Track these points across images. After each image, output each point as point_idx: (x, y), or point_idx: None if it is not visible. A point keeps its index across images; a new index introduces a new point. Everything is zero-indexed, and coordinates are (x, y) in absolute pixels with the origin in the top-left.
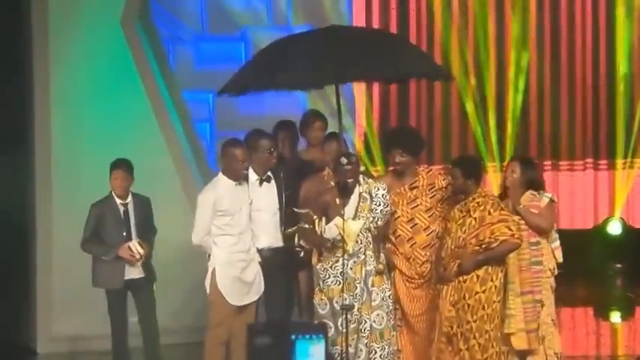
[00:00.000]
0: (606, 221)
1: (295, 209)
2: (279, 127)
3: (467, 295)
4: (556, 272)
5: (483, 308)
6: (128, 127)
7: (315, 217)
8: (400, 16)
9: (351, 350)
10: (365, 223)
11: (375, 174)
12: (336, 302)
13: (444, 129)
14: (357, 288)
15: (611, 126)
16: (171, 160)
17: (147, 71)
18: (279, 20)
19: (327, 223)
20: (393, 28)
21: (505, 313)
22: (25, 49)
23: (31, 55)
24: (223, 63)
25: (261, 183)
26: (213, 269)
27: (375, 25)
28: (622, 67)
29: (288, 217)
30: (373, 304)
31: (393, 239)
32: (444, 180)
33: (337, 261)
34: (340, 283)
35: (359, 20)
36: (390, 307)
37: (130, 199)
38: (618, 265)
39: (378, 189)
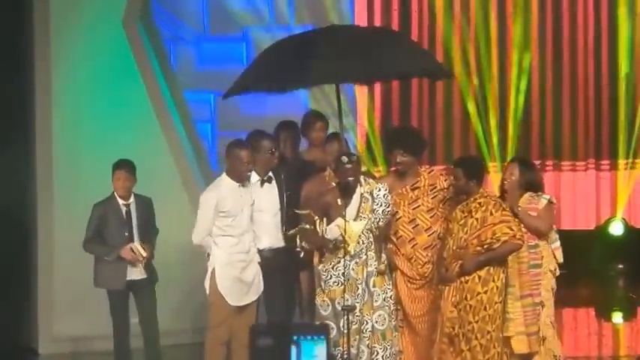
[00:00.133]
0: (608, 222)
1: (296, 210)
2: (281, 127)
3: (468, 296)
4: (557, 273)
5: (485, 309)
6: (129, 127)
7: (317, 217)
8: (402, 16)
9: (353, 351)
10: (366, 223)
11: (376, 174)
12: (338, 303)
13: (446, 129)
14: (358, 289)
15: (613, 126)
16: (173, 161)
17: (148, 71)
18: (281, 20)
19: (328, 223)
20: (395, 29)
21: (504, 316)
22: (26, 49)
23: (32, 55)
24: (225, 63)
25: (262, 184)
26: (213, 269)
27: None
28: (624, 68)
29: (290, 218)
30: (375, 304)
31: (395, 240)
32: (445, 180)
33: (339, 262)
34: (342, 283)
35: (361, 20)
36: (392, 308)
37: (132, 199)
38: (620, 266)
39: (380, 189)
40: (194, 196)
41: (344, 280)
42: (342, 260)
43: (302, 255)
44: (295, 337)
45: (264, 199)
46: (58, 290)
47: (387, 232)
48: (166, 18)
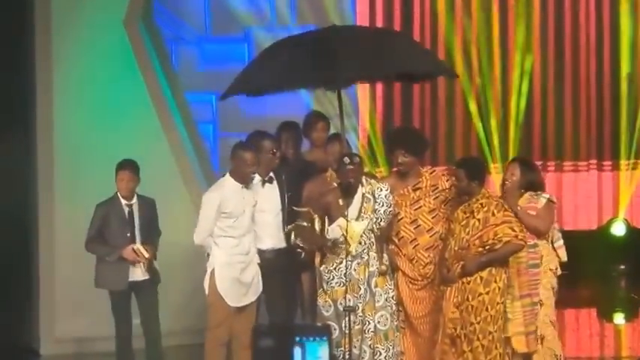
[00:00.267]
0: (610, 222)
1: (295, 207)
2: (283, 128)
3: (470, 297)
4: (559, 272)
5: (487, 309)
6: (130, 127)
7: (315, 216)
8: (404, 17)
9: (355, 352)
10: (368, 224)
11: (378, 175)
12: (340, 304)
13: (448, 130)
14: (360, 289)
15: (615, 127)
16: (174, 161)
17: (150, 72)
18: (283, 21)
19: (330, 224)
20: (397, 29)
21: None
22: (27, 48)
23: (33, 55)
24: (226, 64)
25: (263, 184)
26: (212, 270)
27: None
28: (625, 68)
29: (290, 218)
30: (377, 305)
31: (396, 240)
32: (447, 181)
33: (341, 262)
34: (344, 284)
35: (363, 21)
36: (394, 308)
37: (135, 200)
38: (622, 267)
39: (381, 190)
40: (195, 197)
41: (346, 281)
42: (344, 261)
43: (303, 255)
44: (298, 338)
45: (265, 199)
46: (60, 291)
47: (388, 232)
48: (168, 18)
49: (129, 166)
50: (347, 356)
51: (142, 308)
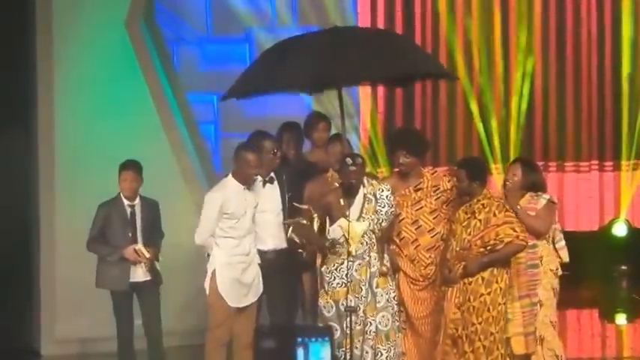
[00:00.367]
0: (611, 223)
1: (295, 204)
2: (284, 128)
3: (472, 298)
4: (559, 273)
5: (488, 310)
6: (132, 128)
7: (315, 215)
8: (405, 18)
9: (356, 352)
10: (369, 224)
11: (379, 176)
12: (342, 304)
13: (449, 130)
14: (362, 290)
15: (617, 127)
16: (175, 161)
17: (151, 72)
18: (284, 21)
19: (331, 224)
20: (399, 31)
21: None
22: (28, 48)
23: (34, 55)
24: (228, 64)
25: (264, 184)
26: (213, 271)
27: (380, 27)
28: (626, 68)
29: (291, 215)
30: (378, 305)
31: (398, 241)
32: (448, 182)
33: (342, 263)
34: (345, 285)
35: (364, 22)
36: (395, 309)
37: (137, 201)
38: (623, 267)
39: (383, 190)
40: (197, 198)
41: (347, 282)
42: (345, 261)
43: (304, 256)
44: (300, 339)
45: (266, 199)
46: (60, 291)
47: (389, 233)
48: (169, 19)
49: (132, 166)
50: (348, 357)
51: (143, 309)
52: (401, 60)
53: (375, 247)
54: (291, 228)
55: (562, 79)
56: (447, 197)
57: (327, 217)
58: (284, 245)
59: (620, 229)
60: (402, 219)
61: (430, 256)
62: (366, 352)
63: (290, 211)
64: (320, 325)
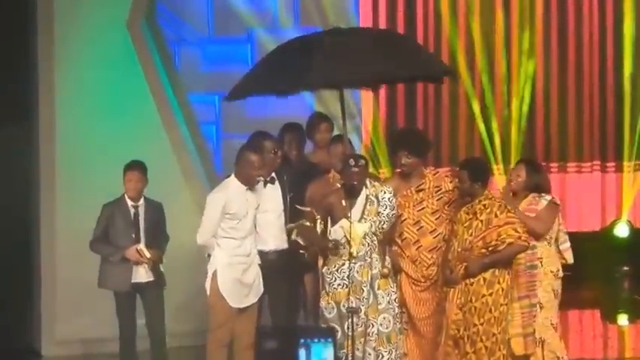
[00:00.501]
0: (613, 224)
1: (298, 206)
2: (286, 129)
3: (473, 298)
4: (560, 274)
5: (490, 311)
6: (133, 128)
7: (318, 216)
8: (407, 18)
9: (358, 354)
10: (371, 226)
11: (380, 176)
12: (343, 306)
13: (451, 131)
14: (363, 291)
15: (619, 128)
16: (176, 162)
17: (152, 73)
18: (285, 22)
19: (332, 225)
20: (400, 32)
21: None
22: (30, 49)
23: (35, 55)
24: (229, 65)
25: (265, 184)
26: (214, 271)
27: (382, 27)
28: (628, 68)
29: (293, 218)
30: (379, 307)
31: (400, 242)
32: (450, 182)
33: (343, 264)
34: (347, 286)
35: (366, 23)
36: (396, 311)
37: (141, 202)
38: (625, 268)
39: (385, 192)
40: (198, 198)
41: (349, 283)
42: (347, 263)
43: (306, 256)
44: (303, 340)
45: (268, 199)
46: (61, 291)
47: (391, 234)
48: (171, 19)
49: (137, 167)
50: (350, 358)
51: (146, 310)
52: (404, 60)
53: (376, 249)
54: (295, 231)
55: (564, 80)
56: (448, 198)
57: (329, 218)
58: (285, 246)
59: (621, 230)
60: (404, 220)
61: (432, 257)
62: (369, 354)
63: (292, 213)
64: (323, 326)
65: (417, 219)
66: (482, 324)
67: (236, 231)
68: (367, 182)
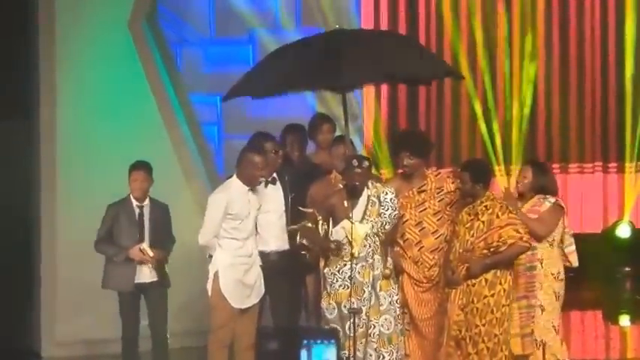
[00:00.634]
0: (615, 224)
1: (300, 208)
2: (288, 130)
3: (475, 299)
4: (562, 277)
5: (492, 312)
6: (134, 129)
7: (320, 217)
8: (409, 19)
9: (359, 355)
10: (373, 227)
11: (382, 177)
12: (344, 306)
13: (453, 132)
14: (365, 292)
15: (621, 128)
16: (178, 162)
17: (154, 73)
18: (287, 22)
19: (334, 225)
20: (402, 32)
21: None
22: (31, 48)
23: (37, 55)
24: (231, 66)
25: (266, 185)
26: (216, 272)
27: (384, 28)
28: (630, 69)
29: (294, 219)
30: (381, 308)
31: (402, 243)
32: (452, 183)
33: (344, 265)
34: (348, 287)
35: (367, 24)
36: (398, 312)
37: (147, 202)
38: (627, 269)
39: (387, 193)
40: (199, 198)
41: (350, 284)
42: (348, 263)
43: (307, 257)
44: (305, 341)
45: (269, 199)
46: (61, 292)
47: (393, 235)
48: (172, 20)
49: (143, 166)
50: (351, 359)
51: (150, 310)
52: (405, 61)
53: (378, 250)
54: (299, 233)
55: (566, 81)
56: (450, 199)
57: (331, 219)
58: (286, 247)
59: (623, 231)
60: (406, 220)
61: (434, 258)
62: (370, 355)
63: (293, 214)
64: (325, 327)
65: (419, 220)
66: (484, 325)
67: (238, 232)
68: (369, 183)
